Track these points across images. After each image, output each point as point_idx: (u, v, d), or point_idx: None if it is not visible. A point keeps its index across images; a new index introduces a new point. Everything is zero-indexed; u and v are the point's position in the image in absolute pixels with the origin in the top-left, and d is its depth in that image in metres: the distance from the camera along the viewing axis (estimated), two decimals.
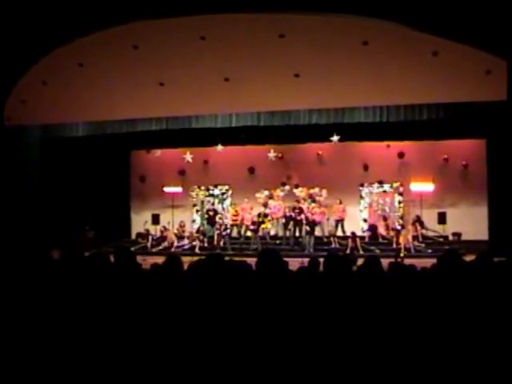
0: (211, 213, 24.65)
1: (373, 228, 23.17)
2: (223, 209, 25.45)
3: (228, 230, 23.26)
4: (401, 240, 20.76)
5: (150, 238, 23.53)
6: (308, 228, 21.92)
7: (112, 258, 5.40)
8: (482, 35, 14.13)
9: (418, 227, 22.26)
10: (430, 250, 20.16)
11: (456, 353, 3.87)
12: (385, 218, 23.27)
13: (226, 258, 5.07)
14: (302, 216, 22.23)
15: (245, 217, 23.21)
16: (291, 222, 22.63)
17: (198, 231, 23.75)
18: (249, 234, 23.03)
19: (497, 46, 14.10)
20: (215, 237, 23.06)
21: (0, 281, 4.91)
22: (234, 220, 23.66)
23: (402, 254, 19.34)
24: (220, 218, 24.04)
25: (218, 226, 23.49)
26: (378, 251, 20.22)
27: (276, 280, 4.52)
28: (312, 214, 22.12)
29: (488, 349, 3.89)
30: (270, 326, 3.98)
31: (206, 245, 23.00)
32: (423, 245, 21.25)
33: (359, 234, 22.47)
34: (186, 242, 23.23)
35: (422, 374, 3.82)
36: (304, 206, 22.61)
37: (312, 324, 4.05)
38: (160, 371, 3.93)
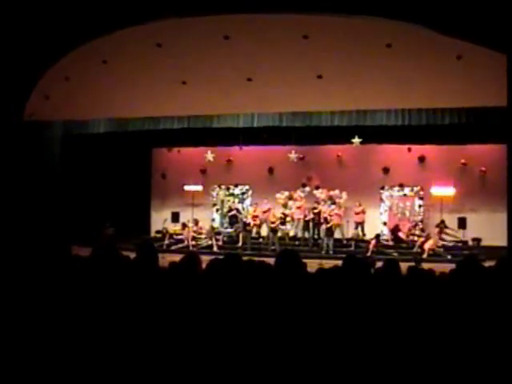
0: (233, 213, 24.78)
1: (394, 230, 23.03)
2: (243, 208, 25.45)
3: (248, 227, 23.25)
4: (429, 244, 20.73)
5: (168, 235, 23.56)
6: (326, 230, 21.89)
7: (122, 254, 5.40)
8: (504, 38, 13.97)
9: (444, 230, 22.20)
10: (449, 256, 20.06)
11: (473, 358, 3.85)
12: (414, 223, 23.27)
13: (245, 258, 5.07)
14: (320, 218, 22.24)
15: (265, 217, 23.20)
16: (310, 224, 22.66)
17: (212, 229, 23.76)
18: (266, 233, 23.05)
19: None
20: (240, 236, 23.14)
21: (21, 278, 4.94)
22: (254, 220, 23.61)
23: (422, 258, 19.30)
24: (241, 219, 24.08)
25: (237, 225, 23.61)
26: (395, 254, 20.15)
27: (294, 281, 4.52)
28: (329, 216, 22.09)
29: (507, 355, 3.87)
30: (286, 326, 3.98)
31: (220, 243, 23.06)
32: (442, 249, 21.16)
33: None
34: (203, 240, 23.27)
35: (438, 378, 3.81)
36: (323, 208, 22.58)
37: (329, 325, 4.04)
38: (177, 370, 3.95)
